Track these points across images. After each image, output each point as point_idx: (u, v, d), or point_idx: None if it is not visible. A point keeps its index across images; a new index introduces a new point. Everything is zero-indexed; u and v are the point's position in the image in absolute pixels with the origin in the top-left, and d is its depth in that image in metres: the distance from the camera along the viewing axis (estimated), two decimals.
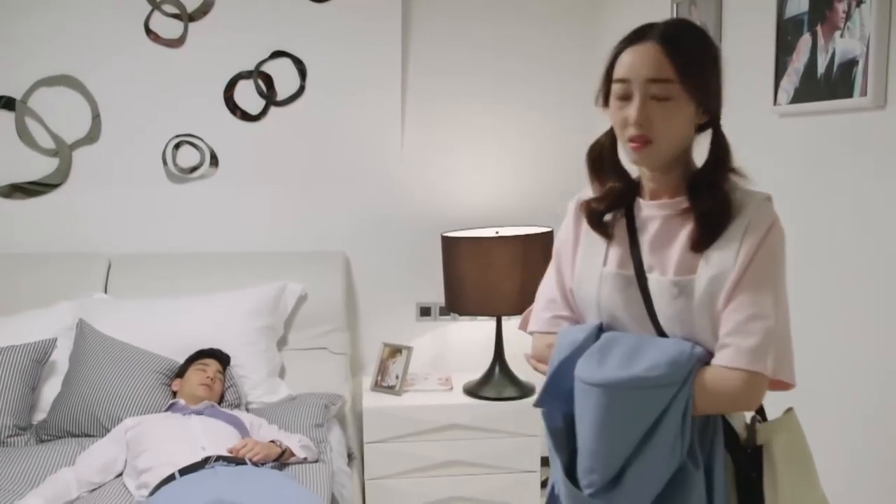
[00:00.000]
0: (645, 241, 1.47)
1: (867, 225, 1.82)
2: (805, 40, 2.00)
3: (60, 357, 2.99)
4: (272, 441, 2.55)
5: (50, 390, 2.91)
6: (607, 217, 1.53)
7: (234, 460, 2.35)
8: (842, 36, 1.87)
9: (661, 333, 1.43)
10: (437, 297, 3.50)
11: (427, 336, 3.56)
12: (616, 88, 1.42)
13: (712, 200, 1.38)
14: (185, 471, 2.28)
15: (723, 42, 2.44)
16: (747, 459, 1.41)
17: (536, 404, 1.52)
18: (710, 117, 1.43)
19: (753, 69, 2.24)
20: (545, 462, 3.47)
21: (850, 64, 1.84)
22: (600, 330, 1.47)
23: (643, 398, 1.35)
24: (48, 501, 2.29)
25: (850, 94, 1.84)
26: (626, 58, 1.41)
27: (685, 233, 1.42)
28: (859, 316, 1.83)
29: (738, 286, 1.34)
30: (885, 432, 1.75)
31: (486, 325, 3.52)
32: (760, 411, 1.49)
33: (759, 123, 2.22)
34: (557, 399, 1.47)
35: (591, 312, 1.51)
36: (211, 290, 3.20)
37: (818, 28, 1.95)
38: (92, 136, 3.30)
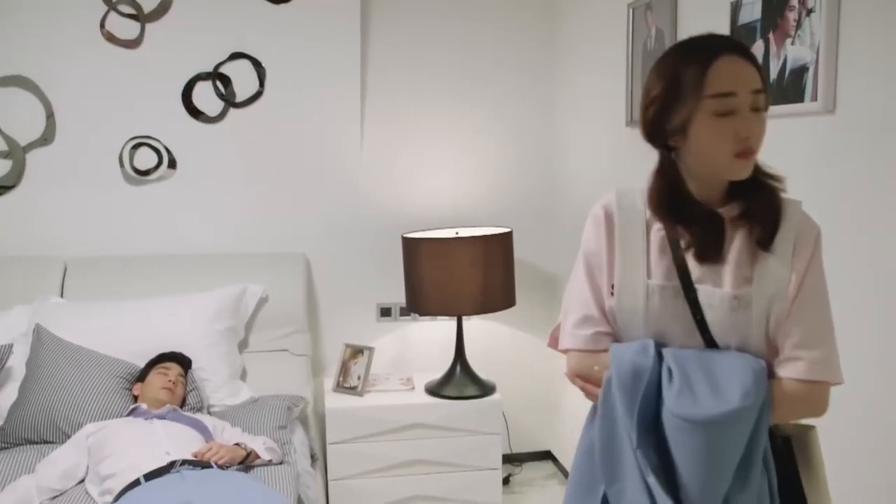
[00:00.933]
0: (690, 251, 1.42)
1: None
2: (758, 47, 2.07)
3: (16, 363, 2.94)
4: (237, 444, 2.55)
5: (5, 397, 2.85)
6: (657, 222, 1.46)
7: (200, 464, 2.34)
8: (793, 43, 1.95)
9: (709, 343, 1.41)
10: (397, 297, 3.52)
11: (387, 336, 3.58)
12: (717, 104, 1.33)
13: (764, 200, 1.39)
14: (150, 476, 2.26)
15: None
16: (779, 451, 1.43)
17: (637, 446, 1.36)
18: None
19: None
20: (506, 459, 3.53)
21: (801, 70, 1.91)
22: (656, 346, 1.41)
23: (742, 426, 1.32)
24: None
25: (801, 99, 1.92)
26: (727, 71, 1.33)
27: (739, 242, 1.40)
28: None
29: (799, 297, 1.35)
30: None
31: (446, 325, 3.55)
32: None
33: None
34: (649, 433, 1.38)
35: (637, 327, 1.44)
36: (170, 293, 3.17)
37: (770, 35, 2.03)
38: (46, 137, 3.24)
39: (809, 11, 1.88)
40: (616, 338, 1.48)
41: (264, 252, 3.44)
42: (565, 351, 1.53)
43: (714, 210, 1.42)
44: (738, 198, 1.41)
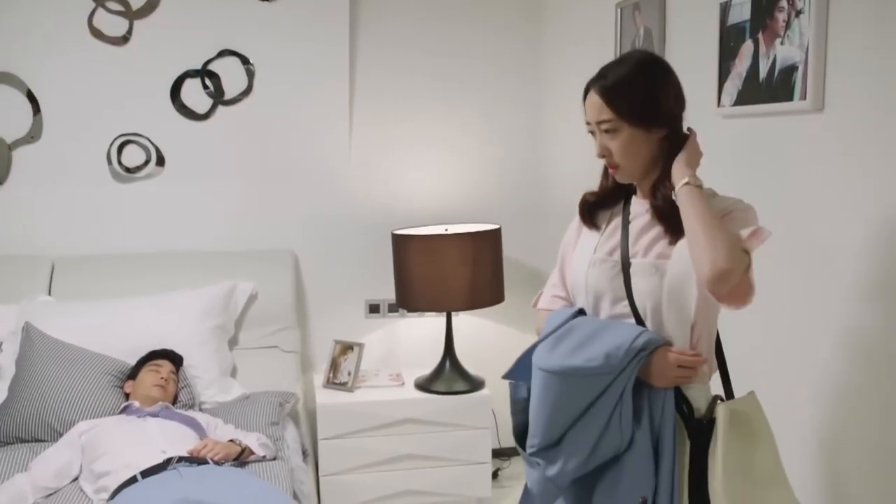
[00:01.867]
0: (632, 231, 1.71)
1: (807, 220, 1.94)
2: (747, 46, 2.11)
3: (5, 362, 2.94)
4: (231, 440, 2.56)
5: None
6: (604, 211, 1.80)
7: (196, 461, 2.35)
8: (782, 43, 1.99)
9: (634, 310, 1.67)
10: (385, 294, 3.54)
11: (376, 333, 3.60)
12: (588, 129, 1.71)
13: (660, 201, 1.65)
14: (146, 473, 2.27)
15: (666, 46, 2.56)
16: (700, 430, 1.61)
17: (504, 376, 1.81)
18: (667, 131, 1.66)
19: (698, 72, 2.35)
20: (496, 454, 3.56)
21: (790, 69, 1.96)
22: (580, 313, 1.73)
23: (579, 384, 1.61)
24: None
25: (790, 98, 1.96)
26: (587, 105, 1.69)
27: (659, 227, 1.67)
28: (799, 309, 1.96)
29: None
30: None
31: (434, 321, 3.58)
32: (728, 393, 1.71)
33: (703, 123, 2.32)
34: (525, 374, 1.74)
35: (580, 293, 1.76)
36: (159, 291, 3.17)
37: (760, 35, 2.07)
38: (33, 134, 3.23)
39: (798, 12, 1.93)
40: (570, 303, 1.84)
41: (253, 249, 3.45)
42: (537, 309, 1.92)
43: (644, 200, 1.72)
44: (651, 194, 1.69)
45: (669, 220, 1.63)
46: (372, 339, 3.55)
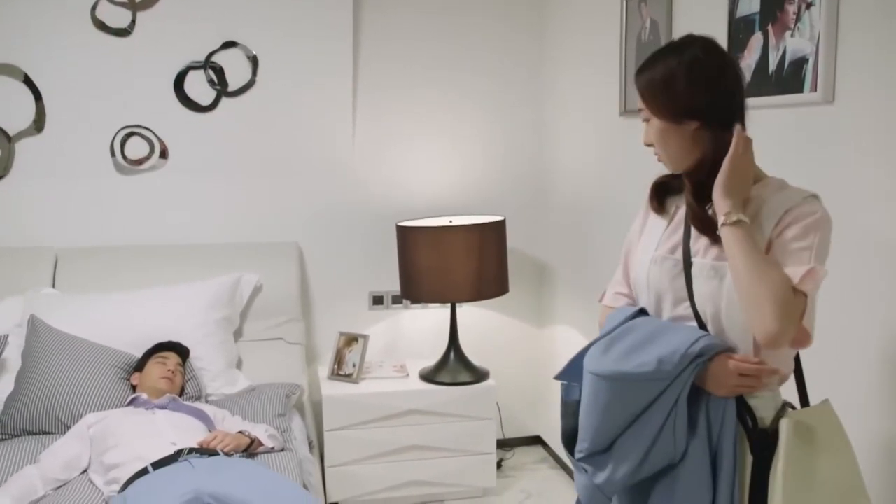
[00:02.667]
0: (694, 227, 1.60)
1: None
2: (756, 39, 2.13)
3: (11, 354, 2.93)
4: (240, 431, 2.57)
5: (1, 389, 2.84)
6: (674, 196, 1.69)
7: (207, 452, 2.35)
8: (792, 36, 2.00)
9: (696, 312, 1.56)
10: (388, 286, 3.55)
11: (380, 325, 3.61)
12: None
13: (687, 204, 1.59)
14: (157, 464, 2.28)
15: (673, 38, 2.56)
16: (764, 443, 1.50)
17: (556, 377, 1.71)
18: (699, 123, 1.54)
19: None
20: (498, 444, 3.59)
21: (801, 62, 1.97)
22: (641, 313, 1.64)
23: (631, 390, 1.53)
24: (16, 500, 2.25)
25: (800, 90, 1.98)
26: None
27: None
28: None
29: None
30: None
31: (437, 313, 3.59)
32: (804, 401, 1.61)
33: None
34: (578, 375, 1.65)
35: (642, 291, 1.67)
36: (163, 284, 3.17)
37: (769, 28, 2.08)
38: (36, 126, 3.21)
39: (809, 5, 1.94)
40: (633, 301, 1.74)
41: (257, 242, 3.44)
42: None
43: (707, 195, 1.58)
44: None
45: (699, 225, 1.55)
46: (375, 331, 3.56)
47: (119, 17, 3.20)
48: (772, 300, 1.38)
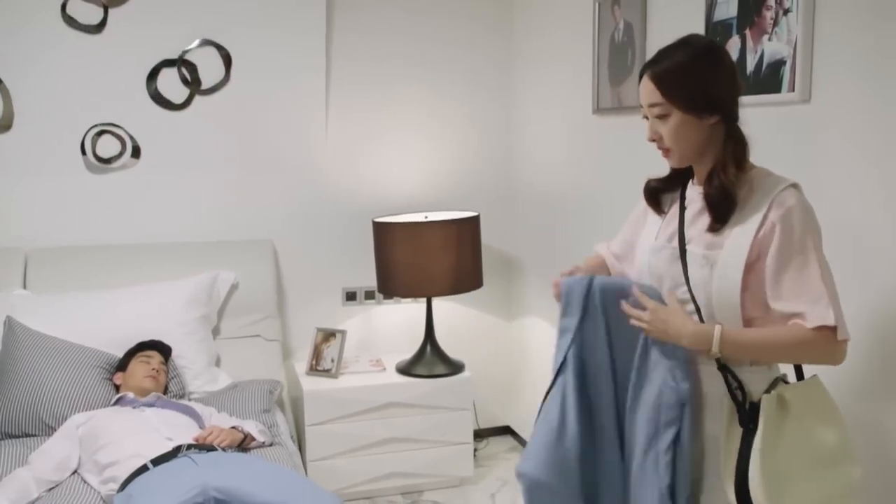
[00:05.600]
0: (688, 217, 1.72)
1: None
2: (734, 41, 2.25)
3: None
4: (233, 427, 2.59)
5: None
6: (668, 194, 1.82)
7: (204, 448, 2.38)
8: (770, 39, 2.13)
9: (693, 296, 1.67)
10: (361, 281, 3.60)
11: (353, 320, 3.65)
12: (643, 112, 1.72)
13: (713, 189, 1.63)
14: (156, 461, 2.29)
15: (647, 40, 2.69)
16: (747, 415, 1.58)
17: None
18: (719, 117, 1.63)
19: None
20: (477, 434, 3.67)
21: (778, 64, 2.10)
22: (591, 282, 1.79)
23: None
24: (12, 502, 2.24)
25: (778, 90, 2.11)
26: (640, 89, 1.69)
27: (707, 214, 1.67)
28: None
29: (769, 261, 1.57)
30: None
31: (409, 308, 3.66)
32: (799, 376, 1.70)
33: None
34: None
35: (644, 275, 1.79)
36: (137, 283, 3.15)
37: (747, 31, 2.21)
38: (4, 124, 3.15)
39: (786, 11, 2.07)
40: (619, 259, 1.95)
41: (231, 240, 3.44)
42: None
43: (699, 187, 1.72)
44: (706, 181, 1.68)
45: (718, 209, 1.62)
46: (349, 326, 3.59)
47: (90, 14, 3.16)
48: (813, 357, 1.59)
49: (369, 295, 3.64)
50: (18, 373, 2.75)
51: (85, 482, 2.42)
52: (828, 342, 1.54)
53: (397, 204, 3.61)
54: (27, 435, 2.68)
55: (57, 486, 2.40)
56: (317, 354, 3.34)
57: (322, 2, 3.39)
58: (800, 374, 1.70)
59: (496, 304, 3.81)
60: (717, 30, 2.31)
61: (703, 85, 1.61)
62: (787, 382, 1.68)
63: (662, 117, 1.64)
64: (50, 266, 3.19)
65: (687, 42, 1.67)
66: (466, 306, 3.74)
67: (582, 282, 1.78)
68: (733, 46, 2.25)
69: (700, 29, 2.37)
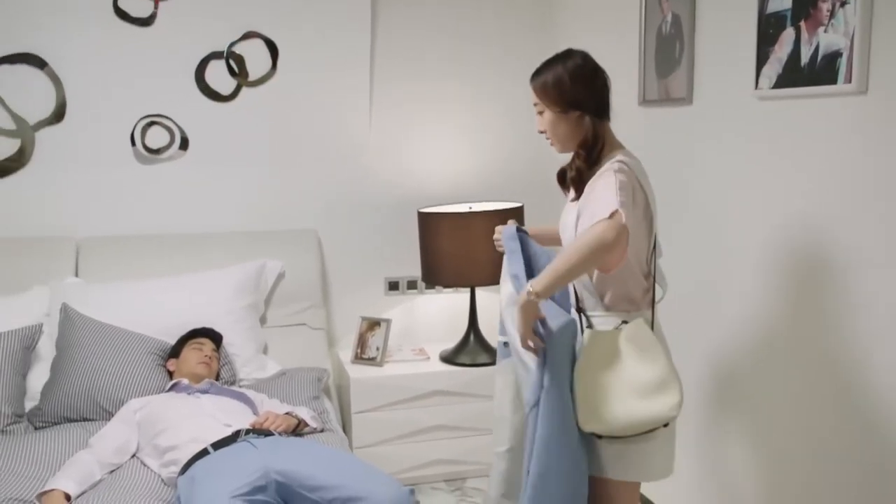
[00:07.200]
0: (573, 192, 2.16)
1: (848, 199, 2.11)
2: (788, 34, 2.26)
3: (42, 343, 2.95)
4: (287, 413, 2.64)
5: (35, 377, 2.87)
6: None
7: (262, 433, 2.43)
8: (826, 31, 2.14)
9: None
10: (404, 271, 3.64)
11: (396, 309, 3.69)
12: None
13: (573, 170, 2.10)
14: (217, 445, 2.34)
15: (696, 32, 2.70)
16: None
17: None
18: (580, 113, 2.07)
19: (731, 58, 2.50)
20: None
21: (834, 56, 2.11)
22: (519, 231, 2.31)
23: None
24: (78, 483, 2.30)
25: (834, 82, 2.12)
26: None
27: None
28: (840, 294, 2.13)
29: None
30: None
31: (451, 297, 3.69)
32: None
33: (739, 106, 2.49)
34: None
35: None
36: (185, 272, 3.21)
37: (802, 23, 2.22)
38: (56, 116, 3.22)
39: (843, 3, 2.08)
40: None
41: (275, 230, 3.50)
42: None
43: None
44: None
45: (575, 186, 2.10)
46: (391, 316, 3.63)
47: (141, 7, 3.21)
48: (592, 242, 1.89)
49: (411, 284, 3.68)
50: (75, 359, 2.82)
51: (144, 465, 2.48)
52: (607, 224, 1.88)
53: (439, 195, 3.64)
54: (85, 419, 2.74)
55: (118, 468, 2.46)
56: (362, 343, 3.39)
57: None
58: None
59: None
60: (771, 21, 2.32)
61: (566, 90, 2.07)
62: (626, 322, 2.03)
63: (541, 113, 2.12)
64: (101, 255, 3.26)
65: (561, 57, 2.13)
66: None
67: (510, 228, 2.28)
68: (787, 38, 2.26)
69: (752, 21, 2.38)
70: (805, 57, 2.21)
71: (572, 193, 2.14)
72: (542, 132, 2.15)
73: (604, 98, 2.11)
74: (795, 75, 2.24)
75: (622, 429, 1.97)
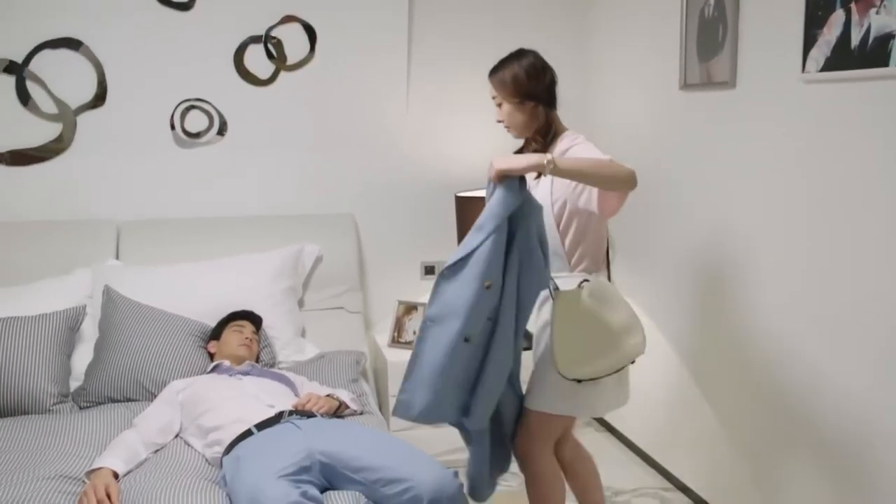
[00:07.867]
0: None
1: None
2: (838, 15, 2.23)
3: (86, 325, 2.98)
4: (329, 395, 2.66)
5: (79, 358, 2.91)
6: None
7: (305, 414, 2.44)
8: (878, 13, 2.11)
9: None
10: (440, 255, 3.65)
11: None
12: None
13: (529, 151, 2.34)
14: (260, 426, 2.36)
15: (740, 16, 2.66)
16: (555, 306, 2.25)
17: None
18: (535, 103, 2.33)
19: (777, 41, 2.47)
20: None
21: (887, 38, 2.08)
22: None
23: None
24: (125, 462, 2.32)
25: (886, 64, 2.09)
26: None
27: None
28: (887, 279, 2.11)
29: None
30: None
31: None
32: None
33: (784, 90, 2.46)
34: None
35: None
36: (224, 255, 3.24)
37: (852, 5, 2.18)
38: (97, 100, 3.25)
39: None
40: None
41: (313, 214, 3.51)
42: None
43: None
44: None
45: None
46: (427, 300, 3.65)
47: None
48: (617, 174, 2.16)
49: None
50: (119, 340, 2.86)
51: (188, 445, 2.51)
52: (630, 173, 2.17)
53: (475, 179, 3.62)
54: (129, 399, 2.78)
55: (162, 448, 2.49)
56: (398, 327, 3.41)
57: None
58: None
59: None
60: (819, 3, 2.28)
61: (522, 84, 2.32)
62: (587, 281, 2.29)
63: (500, 105, 2.36)
64: (141, 238, 3.30)
65: (515, 56, 2.37)
66: None
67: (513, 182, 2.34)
68: (836, 20, 2.23)
69: (800, 4, 2.34)
70: (856, 39, 2.18)
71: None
72: (500, 121, 2.39)
73: (552, 90, 2.37)
74: (845, 58, 2.21)
75: (603, 370, 2.25)
